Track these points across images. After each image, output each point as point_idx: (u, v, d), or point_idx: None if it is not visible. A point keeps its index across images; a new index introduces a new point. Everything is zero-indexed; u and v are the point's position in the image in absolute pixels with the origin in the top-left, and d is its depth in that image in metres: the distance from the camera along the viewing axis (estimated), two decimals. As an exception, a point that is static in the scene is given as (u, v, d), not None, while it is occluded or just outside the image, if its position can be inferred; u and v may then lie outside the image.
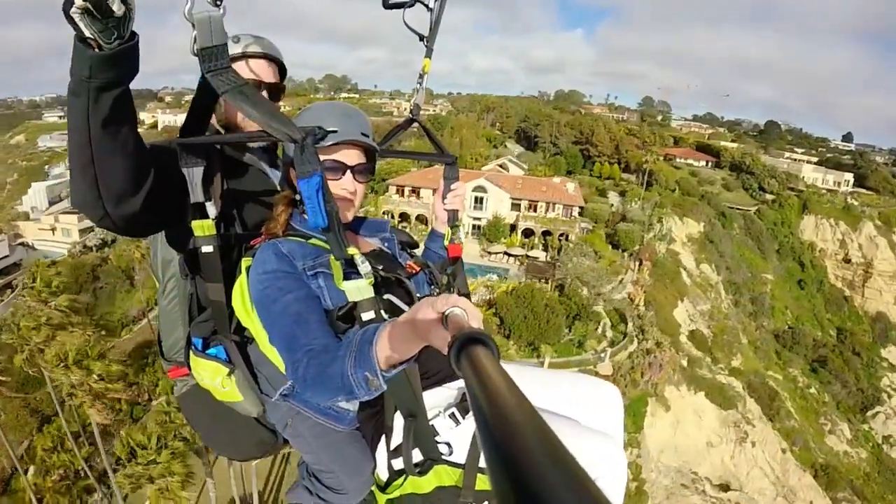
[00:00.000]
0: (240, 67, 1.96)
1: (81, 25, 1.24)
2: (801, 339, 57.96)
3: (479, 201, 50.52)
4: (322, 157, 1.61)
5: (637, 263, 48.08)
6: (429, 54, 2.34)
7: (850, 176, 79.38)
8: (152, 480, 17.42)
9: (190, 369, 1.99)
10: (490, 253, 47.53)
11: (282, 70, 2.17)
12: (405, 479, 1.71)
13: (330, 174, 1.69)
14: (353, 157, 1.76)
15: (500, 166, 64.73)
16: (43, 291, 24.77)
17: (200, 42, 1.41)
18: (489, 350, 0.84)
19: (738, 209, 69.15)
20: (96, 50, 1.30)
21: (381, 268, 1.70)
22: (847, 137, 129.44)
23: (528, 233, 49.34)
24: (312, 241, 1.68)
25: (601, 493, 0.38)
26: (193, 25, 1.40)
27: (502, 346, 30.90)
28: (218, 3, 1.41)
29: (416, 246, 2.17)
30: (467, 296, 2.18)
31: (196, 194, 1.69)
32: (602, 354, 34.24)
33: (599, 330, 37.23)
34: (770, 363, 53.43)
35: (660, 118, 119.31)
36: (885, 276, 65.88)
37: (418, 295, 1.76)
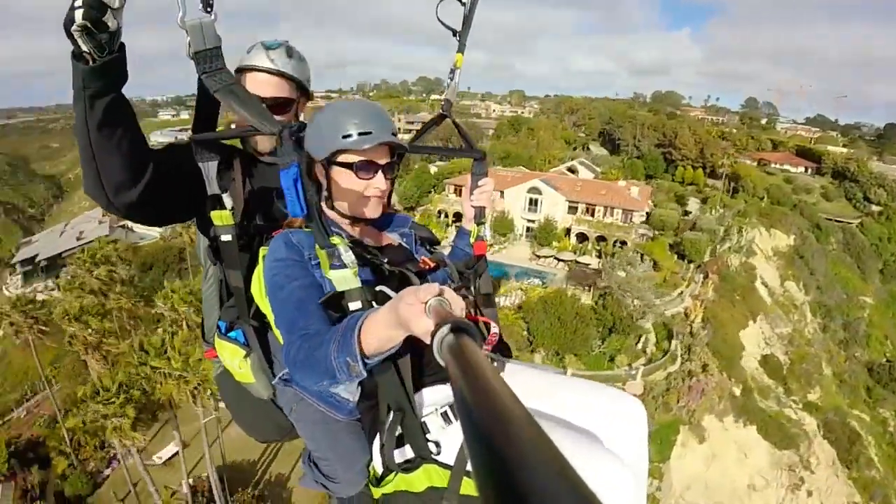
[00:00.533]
0: (242, 80, 2.09)
1: (80, 42, 1.41)
2: (899, 375, 50.93)
3: (533, 203, 48.66)
4: (356, 158, 1.71)
5: (703, 276, 44.19)
6: (461, 49, 2.32)
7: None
8: (106, 418, 20.06)
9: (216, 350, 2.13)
10: (539, 256, 45.50)
11: (299, 84, 2.22)
12: (395, 475, 1.65)
13: (363, 174, 1.74)
14: (383, 156, 1.79)
15: (569, 169, 61.99)
16: (87, 262, 29.67)
17: (194, 46, 1.56)
18: (472, 339, 0.84)
19: (836, 221, 62.11)
20: (88, 63, 1.47)
21: (386, 261, 1.73)
22: None
23: (581, 237, 46.81)
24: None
25: (594, 496, 0.36)
26: (187, 32, 1.53)
27: (524, 356, 29.17)
28: (209, 9, 1.53)
29: (437, 242, 2.16)
30: (489, 296, 2.19)
31: (212, 186, 1.83)
32: (633, 371, 31.44)
33: (639, 345, 34.40)
34: (857, 400, 47.14)
35: (764, 121, 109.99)
36: None
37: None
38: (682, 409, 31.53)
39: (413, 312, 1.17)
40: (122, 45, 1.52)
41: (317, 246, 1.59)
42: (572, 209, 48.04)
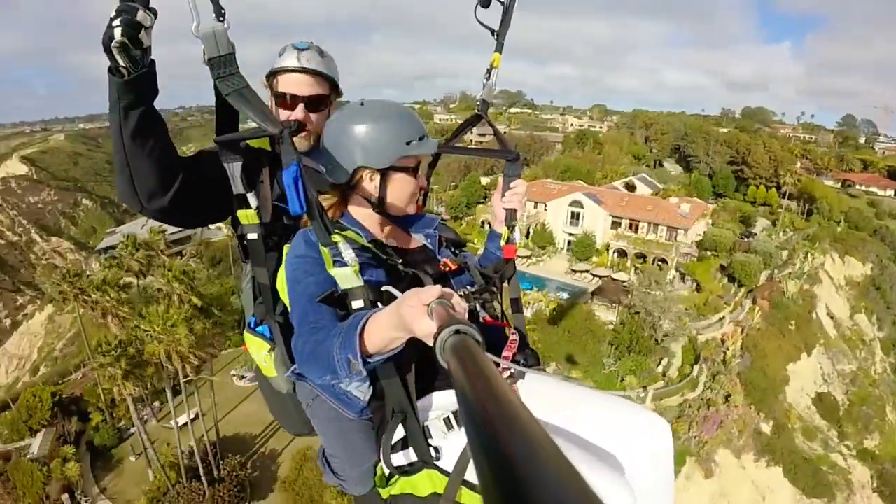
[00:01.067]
0: (278, 81, 2.16)
1: (118, 57, 1.53)
2: (985, 427, 45.44)
3: (575, 217, 47.74)
4: (412, 162, 1.82)
5: (751, 302, 41.57)
6: (499, 49, 2.35)
7: None
8: (103, 367, 24.13)
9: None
10: (575, 271, 44.53)
11: (332, 82, 2.29)
12: (398, 478, 1.71)
13: (415, 174, 1.85)
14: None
15: (627, 184, 60.06)
16: (129, 246, 34.57)
17: (208, 53, 1.64)
18: (475, 342, 0.84)
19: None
20: (123, 77, 1.59)
21: (400, 261, 1.73)
22: None
23: (622, 254, 45.33)
24: (348, 233, 1.73)
25: (597, 499, 0.37)
26: (201, 40, 1.63)
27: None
28: (221, 18, 1.63)
29: (463, 245, 2.17)
30: (516, 301, 2.20)
31: (237, 185, 1.90)
32: (643, 394, 30.12)
33: (660, 368, 32.87)
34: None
35: (862, 139, 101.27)
36: None
37: (461, 293, 1.82)
38: (693, 440, 29.63)
39: (415, 314, 1.19)
40: (153, 62, 1.64)
41: (319, 244, 1.63)
42: (616, 224, 46.67)
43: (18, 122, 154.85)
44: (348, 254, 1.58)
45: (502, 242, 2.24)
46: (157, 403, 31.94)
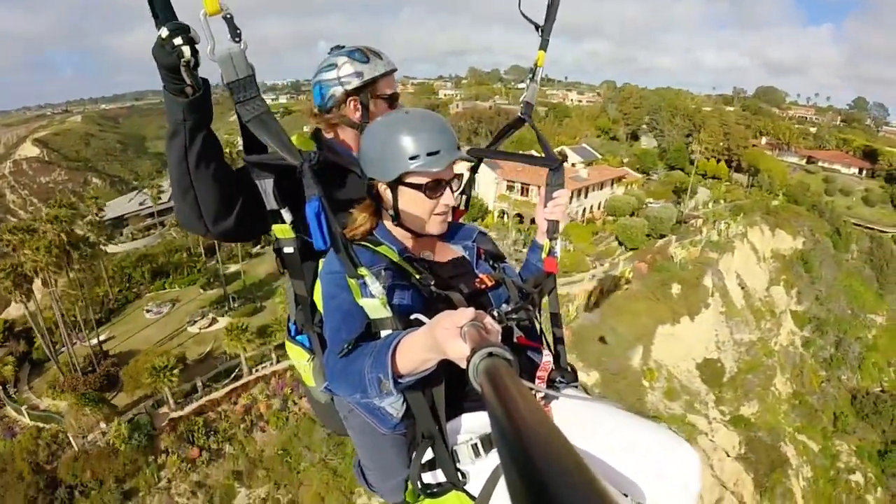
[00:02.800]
0: (387, 82, 2.14)
1: (186, 76, 1.50)
2: (885, 408, 43.94)
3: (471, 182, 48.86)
4: (424, 179, 1.70)
5: (632, 265, 41.50)
6: (544, 46, 2.24)
7: None
8: None
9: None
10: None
11: None
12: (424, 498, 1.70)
13: (431, 193, 1.73)
14: (449, 171, 1.76)
15: (560, 153, 60.12)
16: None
17: (226, 77, 1.54)
18: (508, 365, 0.88)
19: (868, 228, 54.07)
20: (187, 97, 1.56)
21: (432, 283, 1.69)
22: None
23: (507, 215, 46.14)
24: (381, 248, 1.73)
25: None
26: (218, 64, 1.53)
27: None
28: (237, 39, 1.51)
29: (502, 258, 2.06)
30: (557, 315, 2.15)
31: (269, 202, 1.78)
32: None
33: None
34: (812, 426, 41.53)
35: (869, 122, 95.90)
36: None
37: (495, 312, 1.73)
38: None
39: (448, 336, 1.18)
40: (206, 81, 1.58)
41: (346, 275, 1.58)
42: (510, 188, 47.38)
43: (44, 104, 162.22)
44: (375, 287, 1.53)
45: (543, 255, 2.16)
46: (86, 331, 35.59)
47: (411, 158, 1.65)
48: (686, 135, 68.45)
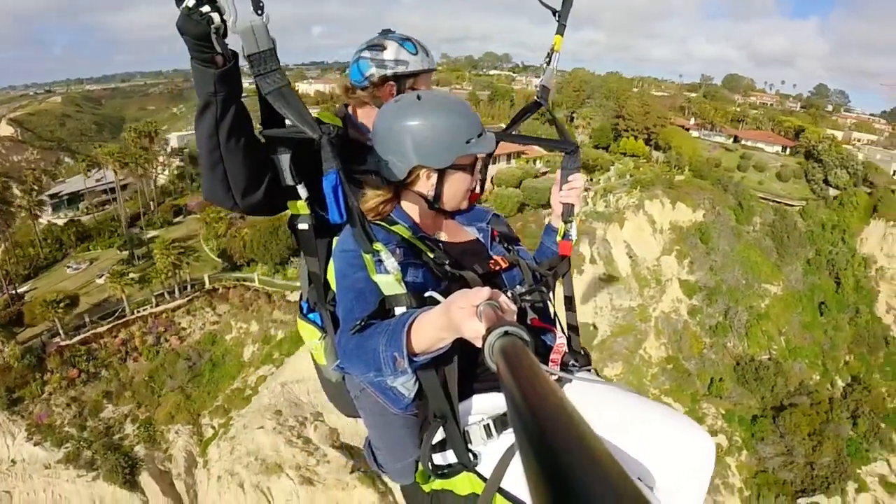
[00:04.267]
0: (425, 79, 2.19)
1: (217, 44, 1.48)
2: (767, 375, 43.46)
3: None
4: (469, 159, 1.76)
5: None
6: (560, 31, 2.23)
7: None
8: None
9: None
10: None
11: None
12: (434, 479, 1.71)
13: (471, 171, 1.80)
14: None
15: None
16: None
17: (247, 49, 1.52)
18: (524, 345, 0.87)
19: (775, 202, 53.61)
20: (218, 68, 1.54)
21: (447, 262, 1.69)
22: None
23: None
24: (396, 227, 1.73)
25: (643, 496, 0.36)
26: (240, 36, 1.51)
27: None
28: (260, 12, 1.49)
29: (517, 240, 2.06)
30: (570, 299, 2.15)
31: (285, 178, 1.79)
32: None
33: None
34: (679, 389, 41.23)
35: (830, 108, 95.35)
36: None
37: (509, 293, 1.71)
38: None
39: (464, 315, 1.18)
40: (235, 52, 1.56)
41: (361, 251, 1.56)
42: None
43: (31, 83, 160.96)
44: (390, 263, 1.51)
45: (558, 238, 2.16)
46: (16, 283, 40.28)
47: (468, 141, 1.70)
48: (615, 116, 68.81)
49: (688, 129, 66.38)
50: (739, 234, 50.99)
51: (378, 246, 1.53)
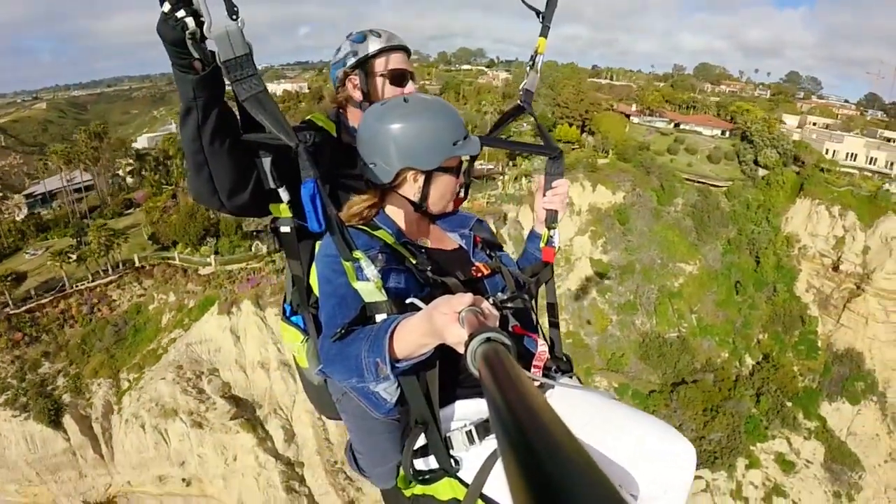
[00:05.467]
0: (384, 60, 2.14)
1: (193, 50, 1.48)
2: (671, 352, 42.71)
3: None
4: (455, 162, 1.78)
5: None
6: (544, 32, 2.20)
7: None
8: None
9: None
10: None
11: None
12: (415, 484, 1.71)
13: (457, 173, 1.82)
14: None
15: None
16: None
17: (222, 55, 1.48)
18: (507, 350, 0.87)
19: (700, 183, 52.81)
20: (198, 73, 1.54)
21: (429, 268, 1.69)
22: None
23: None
24: (379, 232, 1.73)
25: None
26: (214, 42, 1.48)
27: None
28: (234, 17, 1.45)
29: (499, 246, 2.05)
30: (553, 306, 2.13)
31: (267, 181, 1.80)
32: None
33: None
34: (582, 364, 40.85)
35: (801, 95, 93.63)
36: (885, 299, 43.53)
37: (491, 300, 1.68)
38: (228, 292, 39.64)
39: (447, 321, 1.18)
40: (214, 54, 1.52)
41: (341, 258, 1.54)
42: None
43: (19, 90, 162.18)
44: (370, 270, 1.51)
45: (542, 244, 2.15)
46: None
47: (454, 143, 1.71)
48: (556, 105, 68.74)
49: (629, 116, 65.64)
50: (659, 215, 50.36)
51: (358, 254, 1.52)
